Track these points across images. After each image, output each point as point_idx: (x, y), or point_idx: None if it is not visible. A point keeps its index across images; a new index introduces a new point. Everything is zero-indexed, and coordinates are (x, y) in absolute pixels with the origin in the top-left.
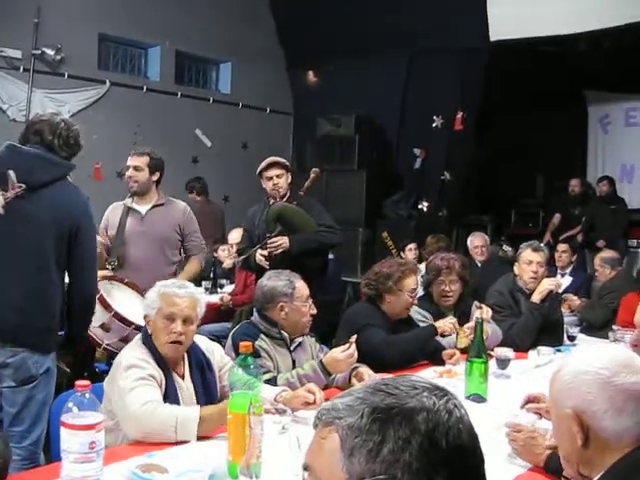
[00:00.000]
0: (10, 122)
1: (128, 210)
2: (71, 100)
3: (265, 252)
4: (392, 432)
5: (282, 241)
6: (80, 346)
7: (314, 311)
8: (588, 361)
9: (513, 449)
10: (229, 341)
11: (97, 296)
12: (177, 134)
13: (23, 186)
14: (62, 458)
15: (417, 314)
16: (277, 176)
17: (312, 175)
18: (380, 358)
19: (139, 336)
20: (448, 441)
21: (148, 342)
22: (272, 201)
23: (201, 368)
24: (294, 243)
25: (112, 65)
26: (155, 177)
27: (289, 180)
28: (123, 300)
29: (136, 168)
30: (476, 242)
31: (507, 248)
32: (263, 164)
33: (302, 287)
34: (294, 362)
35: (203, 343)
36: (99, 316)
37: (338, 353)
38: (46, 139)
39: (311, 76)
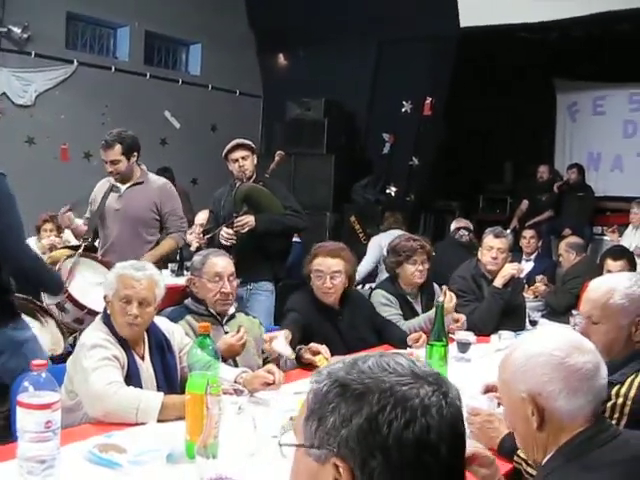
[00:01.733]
0: None
1: (111, 187)
2: (38, 79)
3: (231, 230)
4: (341, 407)
5: (248, 219)
6: None
7: (227, 290)
8: (541, 343)
9: (470, 432)
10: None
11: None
12: (146, 115)
13: None
14: (18, 437)
15: (382, 298)
16: (243, 158)
17: (277, 157)
18: None
19: (100, 316)
20: (391, 429)
21: (108, 322)
22: (238, 183)
23: (161, 349)
24: (260, 222)
25: (80, 45)
26: (133, 158)
27: (255, 162)
28: (89, 279)
29: (113, 162)
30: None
31: (463, 232)
32: (229, 146)
33: (215, 264)
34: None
35: (163, 324)
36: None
37: (230, 338)
38: None
39: (281, 60)
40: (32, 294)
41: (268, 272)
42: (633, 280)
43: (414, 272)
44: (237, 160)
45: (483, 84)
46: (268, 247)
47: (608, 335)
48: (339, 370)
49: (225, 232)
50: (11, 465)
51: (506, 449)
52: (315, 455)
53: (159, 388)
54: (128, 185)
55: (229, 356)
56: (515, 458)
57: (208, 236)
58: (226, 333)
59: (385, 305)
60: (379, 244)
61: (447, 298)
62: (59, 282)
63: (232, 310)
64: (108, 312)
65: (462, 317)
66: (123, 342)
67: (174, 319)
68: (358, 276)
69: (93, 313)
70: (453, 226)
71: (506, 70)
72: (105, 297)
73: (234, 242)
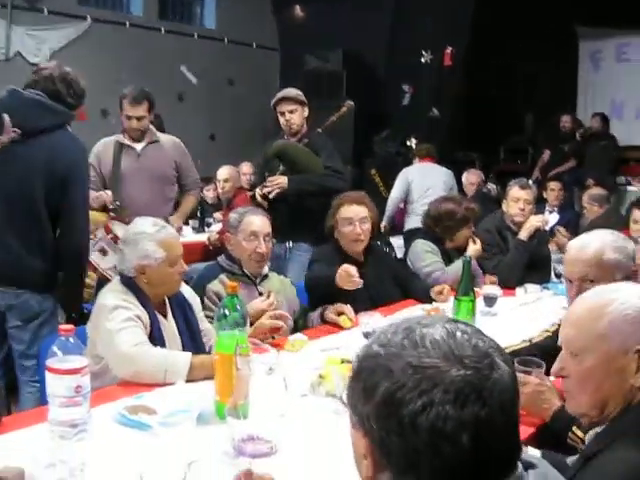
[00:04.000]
0: None
1: (121, 147)
2: (52, 37)
3: (264, 191)
4: (366, 380)
5: (280, 180)
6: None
7: (262, 250)
8: None
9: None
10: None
11: (109, 235)
12: (162, 71)
13: (18, 131)
14: (49, 402)
15: (425, 246)
16: (290, 111)
17: (343, 109)
18: None
19: (117, 278)
20: (408, 411)
21: (130, 284)
22: (287, 137)
23: (182, 308)
24: (292, 183)
25: (93, 1)
26: (152, 116)
27: (304, 115)
28: None
29: (139, 118)
30: (471, 179)
31: (491, 186)
32: (276, 97)
33: (252, 223)
34: (261, 294)
35: (184, 288)
36: (112, 258)
37: (260, 303)
38: (56, 86)
39: (297, 11)
40: (73, 271)
41: (308, 232)
42: (615, 234)
43: (468, 236)
44: (284, 113)
45: (503, 33)
46: (308, 207)
47: None
48: (377, 338)
49: (258, 192)
50: (43, 428)
51: (560, 424)
52: (352, 421)
53: (184, 347)
54: (144, 144)
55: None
56: (570, 435)
57: (250, 193)
58: (260, 294)
59: (428, 252)
60: (406, 175)
61: (475, 247)
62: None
63: (265, 270)
64: (131, 276)
65: (446, 287)
66: (145, 301)
67: (209, 277)
68: (389, 207)
69: None
70: (464, 178)
71: (527, 18)
72: (143, 267)
73: (267, 202)
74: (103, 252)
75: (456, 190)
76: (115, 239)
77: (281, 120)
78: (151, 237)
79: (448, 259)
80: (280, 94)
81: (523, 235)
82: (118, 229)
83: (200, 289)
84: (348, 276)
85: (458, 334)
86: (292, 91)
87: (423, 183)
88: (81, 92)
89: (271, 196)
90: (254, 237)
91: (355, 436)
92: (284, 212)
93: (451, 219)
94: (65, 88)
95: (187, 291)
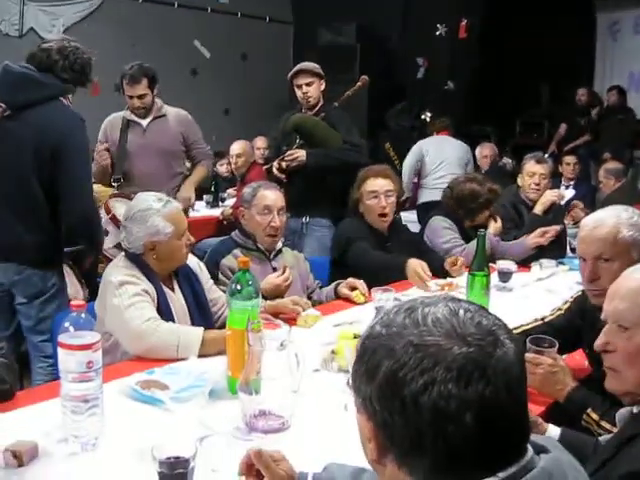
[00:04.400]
0: (3, 37)
1: (128, 123)
2: (65, 13)
3: (282, 164)
4: (368, 360)
5: (298, 154)
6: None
7: (276, 224)
8: None
9: (530, 380)
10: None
11: (109, 215)
12: (175, 45)
13: (3, 106)
14: (61, 377)
15: (443, 222)
16: (307, 84)
17: (359, 83)
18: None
19: (122, 254)
20: (410, 390)
21: (136, 259)
22: (304, 111)
23: (189, 280)
24: (311, 157)
25: None
26: (155, 91)
27: (321, 88)
28: None
29: (140, 97)
30: (485, 152)
31: (507, 160)
32: (293, 70)
33: (265, 197)
34: (274, 270)
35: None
36: (113, 237)
37: (275, 278)
38: (51, 58)
39: None
40: (92, 243)
41: (325, 207)
42: (630, 210)
43: (489, 215)
44: (300, 86)
45: (519, 4)
46: (327, 182)
47: (621, 272)
48: (380, 319)
49: (275, 166)
50: (55, 403)
51: (574, 405)
52: (357, 404)
53: (192, 319)
54: (150, 119)
55: (274, 296)
56: (584, 417)
57: (266, 167)
58: (274, 269)
59: (447, 229)
60: (420, 147)
61: (496, 225)
62: (102, 239)
63: (279, 245)
64: (138, 253)
65: (460, 259)
66: (151, 276)
67: (222, 252)
68: (405, 177)
69: None
70: (477, 152)
71: None
72: (153, 243)
73: (285, 177)
74: (105, 233)
75: (472, 165)
76: (115, 219)
77: (298, 93)
78: (159, 212)
79: (466, 237)
80: (297, 67)
81: (538, 209)
82: (119, 207)
83: (214, 264)
84: (419, 277)
85: (461, 312)
86: (309, 64)
87: (437, 156)
88: (79, 67)
89: (289, 168)
90: (268, 211)
91: (360, 419)
92: (301, 186)
93: (474, 201)
94: (61, 61)
95: (193, 262)
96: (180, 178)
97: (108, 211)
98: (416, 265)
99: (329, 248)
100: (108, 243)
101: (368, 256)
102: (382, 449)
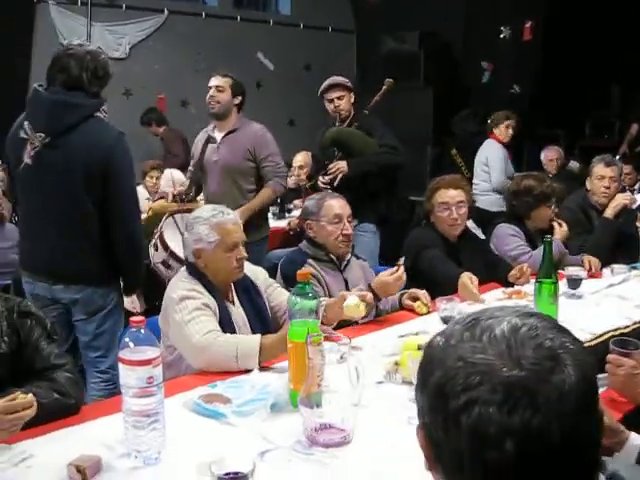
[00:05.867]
0: None
1: (208, 138)
2: (130, 31)
3: (326, 179)
4: (422, 369)
5: (340, 165)
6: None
7: (348, 231)
8: None
9: (611, 382)
10: (279, 270)
11: (157, 235)
12: (239, 59)
13: (42, 135)
14: (122, 392)
15: (509, 229)
16: (338, 98)
17: (384, 87)
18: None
19: (184, 269)
20: (452, 407)
21: (195, 273)
22: (337, 124)
23: (248, 291)
24: (352, 167)
25: None
26: (237, 100)
27: (352, 101)
28: None
29: (218, 88)
30: (549, 155)
31: (574, 164)
32: (323, 85)
33: (333, 206)
34: (346, 282)
35: (246, 268)
36: (160, 254)
37: (386, 276)
38: (73, 75)
39: None
40: (130, 262)
41: (370, 213)
42: None
43: (550, 214)
44: (332, 100)
45: (584, 1)
46: (370, 188)
47: None
48: (445, 329)
49: (321, 180)
50: (119, 417)
51: None
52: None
53: (253, 330)
54: (223, 134)
55: (382, 295)
56: None
57: (311, 183)
58: (345, 280)
59: (513, 236)
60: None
61: (561, 229)
62: (143, 260)
63: (348, 255)
64: (193, 262)
65: (525, 269)
66: (212, 289)
67: (299, 262)
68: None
69: None
70: (543, 156)
71: None
72: (198, 251)
73: (330, 189)
74: (155, 247)
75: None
76: (162, 238)
77: (330, 107)
78: (205, 221)
79: (531, 243)
80: (328, 81)
81: (609, 213)
82: (167, 226)
83: (292, 275)
84: (469, 290)
85: (523, 330)
86: (339, 78)
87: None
88: (102, 72)
89: (335, 183)
90: (338, 220)
91: (417, 428)
92: (347, 196)
93: (529, 195)
94: (84, 74)
95: (249, 270)
96: (253, 196)
97: (163, 243)
98: (466, 279)
99: (376, 253)
100: (155, 259)
101: (440, 265)
102: (431, 461)
